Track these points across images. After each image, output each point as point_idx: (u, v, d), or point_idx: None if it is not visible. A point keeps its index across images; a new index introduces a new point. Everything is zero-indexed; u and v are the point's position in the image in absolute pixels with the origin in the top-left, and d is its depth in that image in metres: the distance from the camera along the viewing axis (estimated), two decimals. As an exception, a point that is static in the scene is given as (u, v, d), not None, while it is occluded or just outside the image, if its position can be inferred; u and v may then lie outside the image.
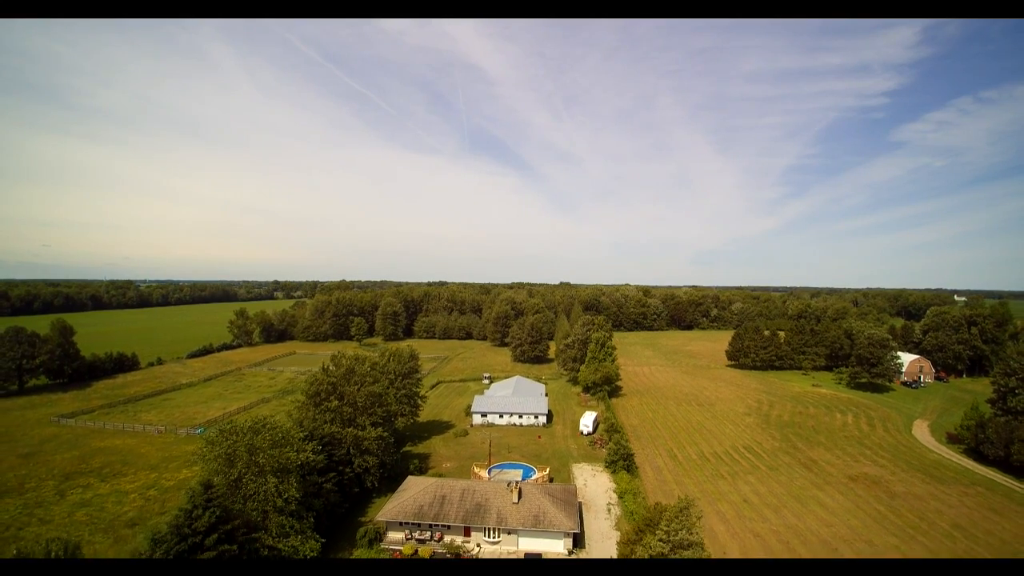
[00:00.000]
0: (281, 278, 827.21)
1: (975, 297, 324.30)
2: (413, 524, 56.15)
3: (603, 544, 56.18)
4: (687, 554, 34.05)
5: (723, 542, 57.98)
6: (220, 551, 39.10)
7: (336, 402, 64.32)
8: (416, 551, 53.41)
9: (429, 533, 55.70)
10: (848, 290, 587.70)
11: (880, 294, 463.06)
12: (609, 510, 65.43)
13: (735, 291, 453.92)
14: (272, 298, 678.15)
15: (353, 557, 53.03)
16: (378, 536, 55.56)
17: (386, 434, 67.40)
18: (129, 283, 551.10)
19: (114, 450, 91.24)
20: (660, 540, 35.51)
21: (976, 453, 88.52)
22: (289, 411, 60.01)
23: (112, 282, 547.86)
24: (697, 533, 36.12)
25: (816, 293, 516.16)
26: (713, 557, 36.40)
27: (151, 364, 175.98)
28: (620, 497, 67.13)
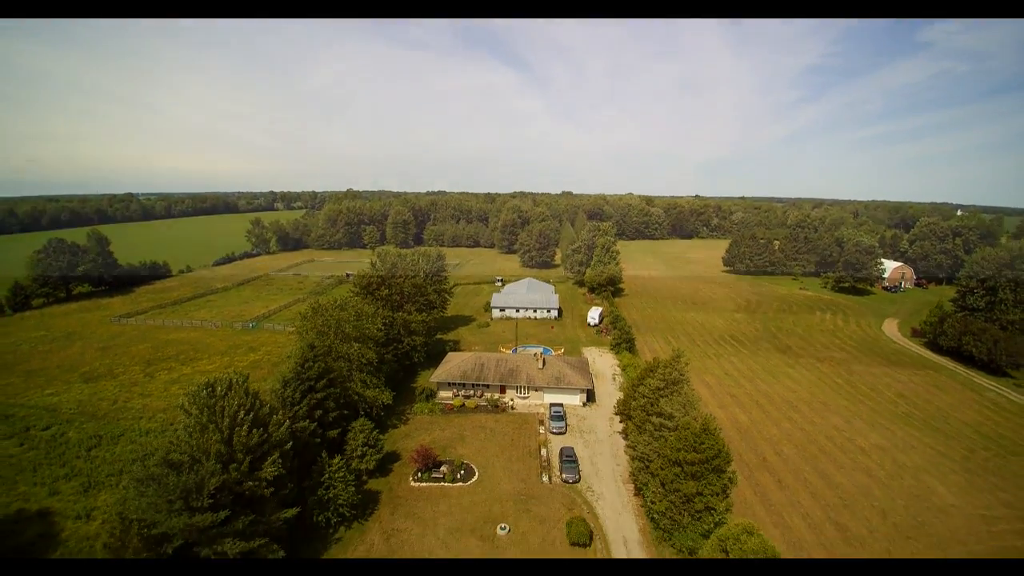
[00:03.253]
0: (277, 189, 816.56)
1: (973, 212, 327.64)
2: (459, 384, 70.54)
3: (609, 400, 71.06)
4: (676, 387, 46.79)
5: (705, 400, 72.53)
6: (327, 392, 52.29)
7: (386, 291, 76.09)
8: (463, 404, 68.16)
9: (472, 390, 70.30)
10: (851, 202, 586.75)
11: (881, 206, 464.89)
12: (614, 378, 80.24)
13: (738, 201, 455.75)
14: (273, 209, 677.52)
15: (414, 408, 67.88)
16: (432, 394, 70.30)
17: (428, 318, 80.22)
18: (130, 196, 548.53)
19: (182, 341, 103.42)
20: (658, 379, 48.30)
21: (935, 345, 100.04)
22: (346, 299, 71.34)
23: (113, 196, 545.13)
24: (685, 374, 48.79)
25: (819, 204, 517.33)
26: (696, 395, 49.05)
27: (182, 271, 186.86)
28: (623, 370, 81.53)
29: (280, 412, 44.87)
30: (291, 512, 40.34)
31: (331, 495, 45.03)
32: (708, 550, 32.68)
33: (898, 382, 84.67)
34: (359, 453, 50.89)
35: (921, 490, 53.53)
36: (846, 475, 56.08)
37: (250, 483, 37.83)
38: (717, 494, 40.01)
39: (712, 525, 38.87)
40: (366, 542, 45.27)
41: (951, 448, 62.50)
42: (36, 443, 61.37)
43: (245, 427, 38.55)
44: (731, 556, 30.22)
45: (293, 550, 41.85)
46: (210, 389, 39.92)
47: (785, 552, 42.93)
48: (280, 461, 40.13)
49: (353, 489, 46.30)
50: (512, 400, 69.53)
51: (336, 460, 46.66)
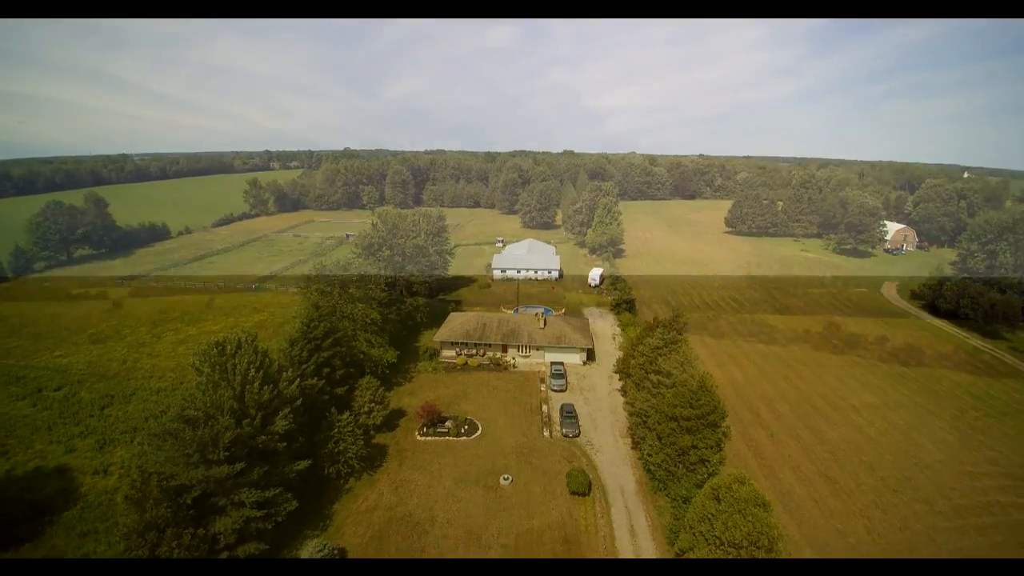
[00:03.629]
0: (272, 148, 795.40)
1: (979, 174, 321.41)
2: (461, 344, 71.93)
3: (609, 358, 72.52)
4: (675, 346, 47.85)
5: (702, 358, 73.60)
6: (334, 351, 53.41)
7: (388, 252, 76.25)
8: (466, 362, 69.74)
9: (475, 349, 71.73)
10: (858, 162, 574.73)
11: (887, 167, 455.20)
12: (614, 338, 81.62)
13: (742, 160, 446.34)
14: (269, 168, 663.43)
15: (418, 367, 69.42)
16: (435, 353, 71.78)
17: (430, 280, 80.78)
18: (124, 156, 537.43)
19: (187, 302, 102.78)
20: (657, 339, 49.34)
21: (932, 307, 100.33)
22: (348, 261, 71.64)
23: (107, 156, 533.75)
24: (683, 333, 49.79)
25: (825, 164, 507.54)
26: (694, 354, 50.21)
27: (181, 233, 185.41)
28: (623, 329, 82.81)
29: (289, 370, 46.04)
30: (303, 464, 42.13)
31: (340, 448, 46.88)
32: (701, 498, 34.35)
33: (894, 343, 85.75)
34: (366, 409, 52.49)
35: (910, 447, 55.45)
36: (837, 432, 57.97)
37: (263, 437, 39.30)
38: (711, 447, 41.63)
39: (706, 476, 40.63)
40: (375, 492, 47.47)
41: (942, 407, 64.14)
42: (49, 403, 62.75)
43: (256, 384, 39.69)
44: (723, 503, 31.81)
45: (306, 500, 43.92)
46: (220, 348, 40.84)
47: (774, 501, 45.01)
48: (291, 416, 41.54)
49: (362, 443, 48.13)
50: (514, 359, 71.09)
51: (344, 416, 48.26)
